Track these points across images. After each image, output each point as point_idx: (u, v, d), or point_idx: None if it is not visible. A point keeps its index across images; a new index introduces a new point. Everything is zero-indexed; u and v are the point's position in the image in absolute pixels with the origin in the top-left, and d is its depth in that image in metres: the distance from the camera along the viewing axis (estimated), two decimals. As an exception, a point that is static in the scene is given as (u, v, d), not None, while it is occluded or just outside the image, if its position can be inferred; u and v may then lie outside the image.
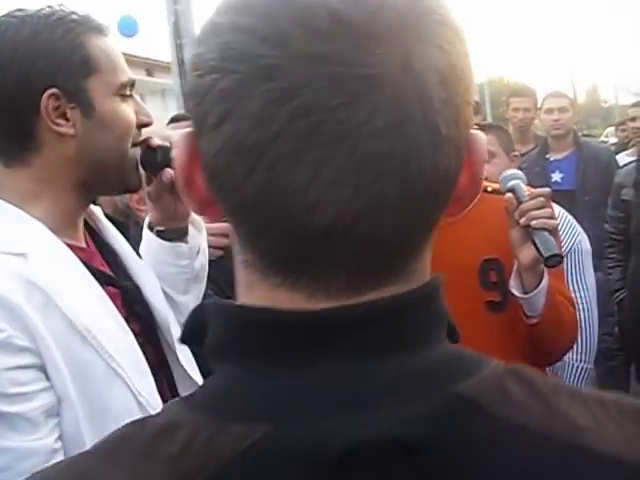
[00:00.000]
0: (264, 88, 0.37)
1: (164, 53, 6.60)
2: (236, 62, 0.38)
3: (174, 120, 2.23)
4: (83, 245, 1.03)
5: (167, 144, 1.06)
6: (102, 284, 0.98)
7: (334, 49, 0.36)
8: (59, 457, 0.84)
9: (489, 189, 1.54)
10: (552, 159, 3.35)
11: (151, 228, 1.18)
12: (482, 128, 1.87)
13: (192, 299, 1.21)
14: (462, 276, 1.42)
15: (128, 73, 1.02)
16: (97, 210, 1.14)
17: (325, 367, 0.39)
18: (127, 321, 1.00)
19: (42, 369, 0.85)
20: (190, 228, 1.18)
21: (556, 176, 3.30)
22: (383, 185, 0.38)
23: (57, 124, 0.95)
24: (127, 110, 1.01)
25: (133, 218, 1.88)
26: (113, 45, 1.02)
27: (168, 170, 1.06)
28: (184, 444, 0.39)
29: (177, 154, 0.44)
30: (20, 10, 0.97)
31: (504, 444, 0.39)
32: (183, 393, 1.03)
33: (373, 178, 0.37)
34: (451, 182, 0.41)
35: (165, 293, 1.15)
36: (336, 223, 0.38)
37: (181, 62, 4.55)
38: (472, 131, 0.42)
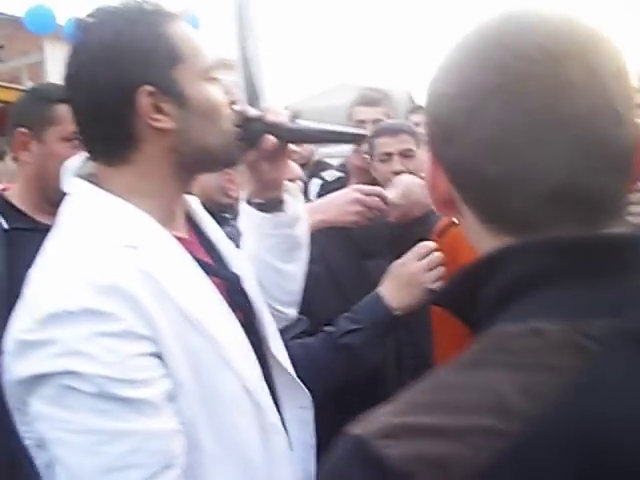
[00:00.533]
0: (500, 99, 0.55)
1: (223, 49, 5.62)
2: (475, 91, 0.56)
3: None
4: (187, 237, 1.07)
5: (260, 113, 1.12)
6: (207, 274, 1.01)
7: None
8: (181, 439, 0.89)
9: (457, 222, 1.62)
10: None
11: (249, 203, 1.23)
12: None
13: (296, 267, 1.28)
14: None
15: (211, 56, 1.02)
16: (194, 200, 1.17)
17: (625, 277, 0.54)
18: (232, 310, 1.03)
19: (159, 356, 0.89)
20: (286, 196, 1.23)
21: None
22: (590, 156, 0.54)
23: (155, 119, 0.95)
24: (217, 92, 1.02)
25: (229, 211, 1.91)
26: (189, 29, 1.01)
27: (268, 137, 1.12)
28: (561, 338, 0.51)
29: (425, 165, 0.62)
30: (99, 10, 0.97)
31: None
32: (278, 383, 1.14)
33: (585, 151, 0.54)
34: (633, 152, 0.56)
35: (270, 264, 1.23)
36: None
37: (245, 58, 4.62)
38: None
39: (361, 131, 1.40)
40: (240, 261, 1.16)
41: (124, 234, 0.94)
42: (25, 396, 0.88)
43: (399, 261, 1.54)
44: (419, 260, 1.51)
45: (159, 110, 0.96)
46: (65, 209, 1.00)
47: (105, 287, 0.86)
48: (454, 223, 1.60)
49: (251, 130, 1.11)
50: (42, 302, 0.86)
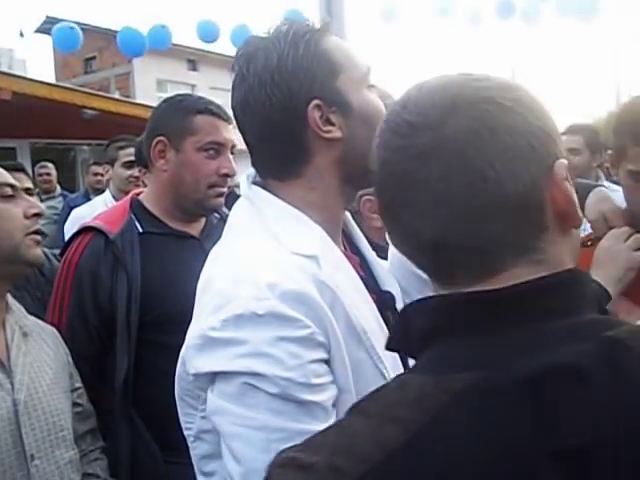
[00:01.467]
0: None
1: None
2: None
3: None
4: (347, 252, 1.10)
5: None
6: (368, 290, 1.03)
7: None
8: None
9: (589, 244, 1.55)
10: None
11: None
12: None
13: None
14: None
15: (366, 63, 1.05)
16: (347, 216, 1.18)
17: (512, 329, 0.56)
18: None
19: (328, 363, 0.92)
20: None
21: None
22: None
23: (326, 131, 0.99)
24: (376, 98, 1.04)
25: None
26: (341, 41, 1.05)
27: None
28: (419, 391, 0.56)
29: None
30: (255, 37, 1.03)
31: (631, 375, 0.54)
32: None
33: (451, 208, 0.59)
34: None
35: (414, 273, 1.16)
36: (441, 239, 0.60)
37: None
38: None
39: None
40: (391, 280, 1.16)
41: (303, 243, 0.97)
42: (199, 390, 0.93)
43: (603, 244, 1.43)
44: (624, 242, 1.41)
45: (328, 121, 0.99)
46: (238, 212, 1.04)
47: (292, 293, 0.89)
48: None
49: None
50: (230, 302, 0.89)
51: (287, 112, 0.98)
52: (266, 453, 0.85)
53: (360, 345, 0.96)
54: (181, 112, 1.68)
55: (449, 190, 0.59)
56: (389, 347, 0.69)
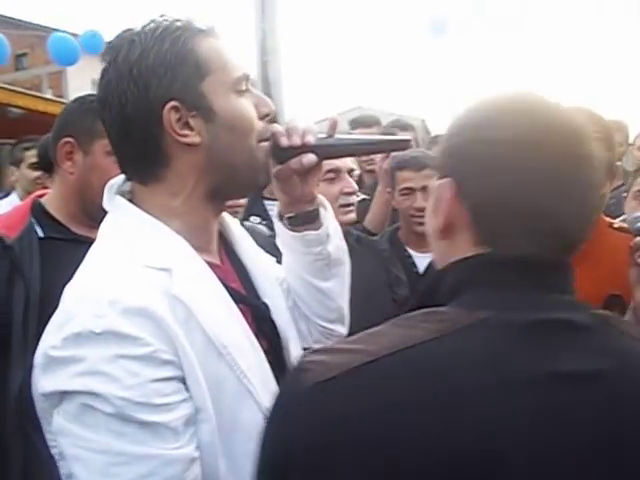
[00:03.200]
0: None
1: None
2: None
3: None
4: (218, 262, 1.05)
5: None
6: (235, 302, 1.00)
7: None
8: (197, 466, 0.89)
9: (615, 225, 1.68)
10: None
11: (281, 218, 1.20)
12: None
13: (337, 284, 1.23)
14: None
15: (241, 68, 1.01)
16: (230, 219, 1.16)
17: (527, 291, 0.72)
18: (257, 338, 1.01)
19: (182, 380, 0.88)
20: (322, 210, 1.19)
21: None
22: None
23: (182, 135, 0.94)
24: (246, 104, 0.99)
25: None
26: (222, 44, 1.00)
27: (305, 157, 1.07)
28: (446, 316, 0.71)
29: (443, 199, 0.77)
30: (127, 31, 0.97)
31: (624, 337, 0.74)
32: None
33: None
34: None
35: (308, 281, 1.20)
36: None
37: (265, 79, 4.72)
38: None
39: (402, 137, 1.33)
40: (272, 288, 1.14)
41: (157, 256, 0.93)
42: (50, 409, 0.90)
43: None
44: None
45: (186, 125, 0.95)
46: (104, 227, 1.00)
47: (133, 310, 0.86)
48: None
49: (281, 151, 1.07)
50: (70, 320, 0.87)
51: (142, 111, 0.94)
52: (105, 477, 0.83)
53: (220, 360, 0.93)
54: (92, 113, 1.61)
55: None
56: (413, 306, 0.79)
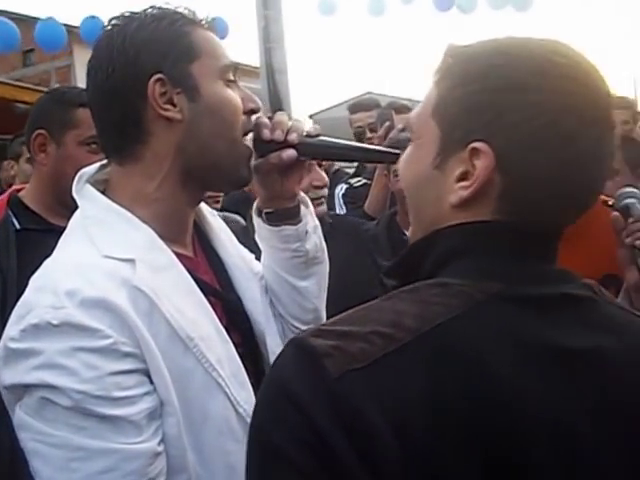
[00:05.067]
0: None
1: (248, 57, 5.59)
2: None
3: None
4: (190, 254, 1.04)
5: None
6: (205, 294, 0.98)
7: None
8: (161, 460, 0.87)
9: (610, 203, 1.60)
10: None
11: (260, 213, 1.17)
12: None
13: (313, 284, 1.19)
14: None
15: (230, 58, 1.01)
16: (206, 210, 1.14)
17: (529, 260, 0.71)
18: (228, 331, 0.99)
19: (146, 373, 0.87)
20: (302, 208, 1.17)
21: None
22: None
23: (164, 109, 0.94)
24: (232, 95, 0.99)
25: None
26: (212, 34, 1.02)
27: (286, 151, 1.05)
28: (460, 289, 0.67)
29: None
30: (124, 12, 0.99)
31: (614, 307, 0.75)
32: None
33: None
34: None
35: (284, 279, 1.17)
36: None
37: (269, 66, 4.61)
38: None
39: (392, 150, 1.34)
40: (247, 281, 1.12)
41: (120, 247, 0.92)
42: (13, 402, 0.89)
43: None
44: None
45: (170, 101, 0.95)
46: (73, 217, 1.00)
47: (91, 301, 0.84)
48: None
49: (264, 144, 1.06)
50: (30, 312, 0.86)
51: (128, 79, 0.94)
52: (65, 473, 0.82)
53: (187, 353, 0.91)
54: (63, 105, 1.64)
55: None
56: (389, 274, 0.78)
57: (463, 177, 0.70)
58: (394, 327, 0.63)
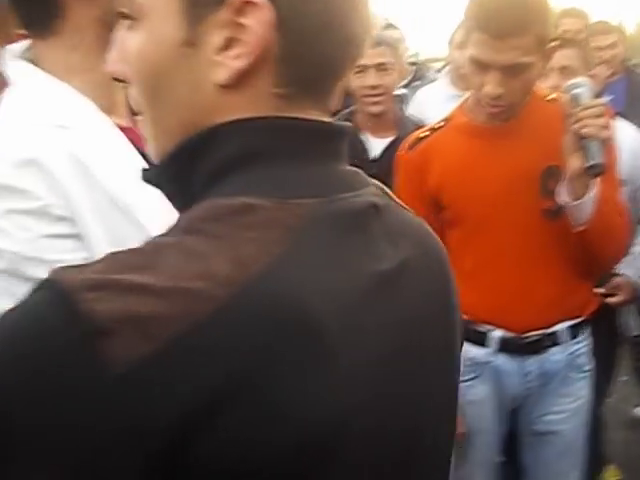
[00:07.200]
0: None
1: None
2: None
3: None
4: (129, 125, 1.01)
5: None
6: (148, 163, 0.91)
7: None
8: None
9: (549, 97, 1.64)
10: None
11: None
12: (564, 42, 2.21)
13: None
14: (525, 182, 1.57)
15: None
16: None
17: (332, 165, 0.59)
18: None
19: (79, 238, 0.85)
20: None
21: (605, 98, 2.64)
22: None
23: None
24: None
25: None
26: None
27: None
28: (268, 214, 0.52)
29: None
30: None
31: (399, 208, 0.66)
32: None
33: None
34: None
35: None
36: None
37: None
38: None
39: None
40: None
41: (56, 114, 0.91)
42: None
43: None
44: None
45: None
46: (7, 91, 0.96)
47: (22, 162, 0.83)
48: (421, 138, 1.74)
49: None
50: None
51: None
52: None
53: (124, 220, 0.90)
54: None
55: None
56: (147, 179, 0.61)
57: (227, 46, 0.53)
58: (205, 280, 0.47)
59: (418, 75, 4.26)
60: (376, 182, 0.65)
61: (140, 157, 0.96)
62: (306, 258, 0.52)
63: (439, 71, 4.27)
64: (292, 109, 0.55)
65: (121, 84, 1.04)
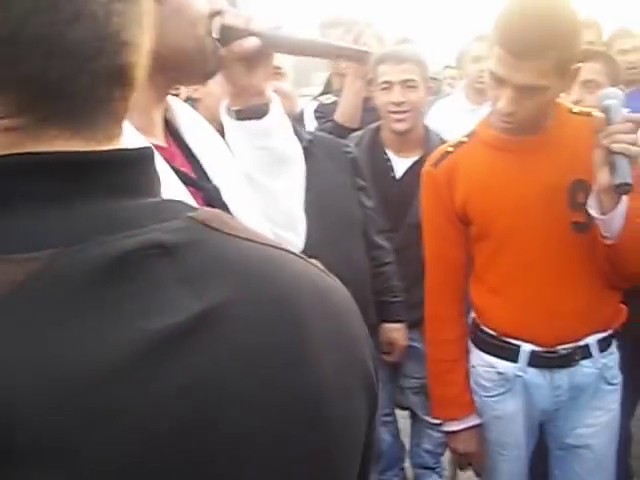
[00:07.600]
0: None
1: None
2: None
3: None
4: (163, 144, 1.02)
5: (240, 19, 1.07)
6: (184, 183, 0.98)
7: None
8: None
9: (575, 110, 1.62)
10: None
11: (228, 112, 1.17)
12: (588, 55, 2.15)
13: (285, 184, 1.19)
14: (553, 195, 1.56)
15: None
16: (178, 105, 1.12)
17: (90, 203, 0.45)
18: None
19: None
20: (272, 106, 1.16)
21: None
22: None
23: None
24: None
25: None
26: None
27: (248, 39, 1.07)
28: None
29: None
30: None
31: (229, 242, 0.52)
32: None
33: None
34: None
35: (255, 179, 1.16)
36: None
37: None
38: None
39: (361, 48, 1.25)
40: (225, 171, 1.10)
41: None
42: None
43: None
44: None
45: None
46: None
47: None
48: (446, 153, 1.72)
49: (226, 33, 1.05)
50: None
51: None
52: None
53: None
54: None
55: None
56: None
57: None
58: None
59: (433, 90, 4.29)
60: (205, 210, 0.54)
61: (176, 176, 0.97)
62: (9, 328, 0.40)
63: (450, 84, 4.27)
64: (32, 142, 0.45)
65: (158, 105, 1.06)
